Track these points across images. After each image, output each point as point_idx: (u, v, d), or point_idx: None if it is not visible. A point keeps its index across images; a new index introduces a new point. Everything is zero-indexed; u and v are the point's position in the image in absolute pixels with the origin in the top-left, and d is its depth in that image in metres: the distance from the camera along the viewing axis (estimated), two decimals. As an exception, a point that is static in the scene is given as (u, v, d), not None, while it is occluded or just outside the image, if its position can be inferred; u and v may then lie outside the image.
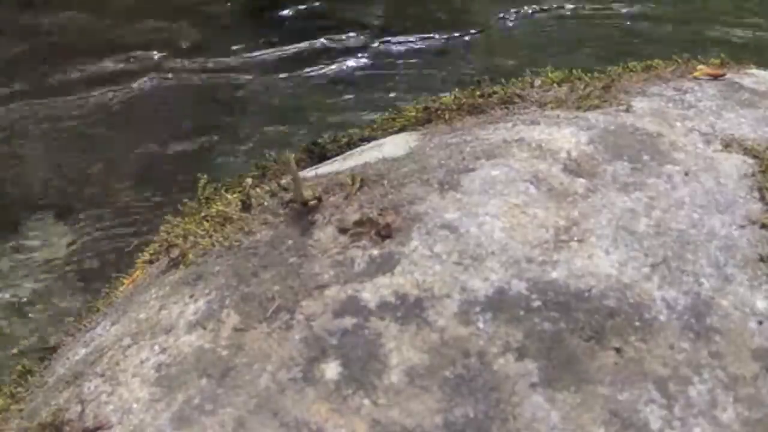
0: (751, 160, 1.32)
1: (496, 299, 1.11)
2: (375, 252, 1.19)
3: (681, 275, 1.15)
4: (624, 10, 3.97)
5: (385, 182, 1.30)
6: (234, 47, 3.90)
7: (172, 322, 1.20)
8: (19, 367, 1.39)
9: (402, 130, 1.55)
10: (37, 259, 2.98)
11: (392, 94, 3.54)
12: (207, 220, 1.35)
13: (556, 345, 1.07)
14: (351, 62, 3.80)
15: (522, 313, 1.10)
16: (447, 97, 1.58)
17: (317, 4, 4.14)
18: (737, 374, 1.06)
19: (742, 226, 1.21)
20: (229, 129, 3.50)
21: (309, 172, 1.44)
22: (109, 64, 3.80)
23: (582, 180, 1.27)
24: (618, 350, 1.07)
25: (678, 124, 1.40)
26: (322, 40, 3.91)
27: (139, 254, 1.50)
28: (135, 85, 3.71)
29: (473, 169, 1.30)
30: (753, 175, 1.29)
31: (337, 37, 3.93)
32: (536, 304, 1.11)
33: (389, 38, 3.91)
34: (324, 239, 1.23)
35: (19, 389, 1.32)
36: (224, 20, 4.08)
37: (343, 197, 1.29)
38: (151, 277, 1.37)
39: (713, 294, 1.13)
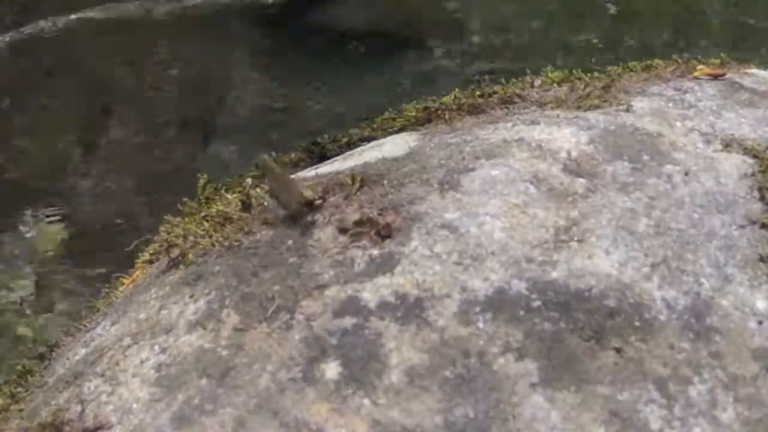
0: (751, 160, 1.32)
1: (496, 299, 1.11)
2: (375, 252, 1.19)
3: (681, 275, 1.15)
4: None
5: (385, 182, 1.30)
6: (234, 46, 3.90)
7: (172, 322, 1.20)
8: (19, 367, 1.39)
9: (402, 130, 1.55)
10: (37, 257, 2.98)
11: (392, 94, 3.54)
12: (207, 220, 1.35)
13: (556, 345, 1.07)
14: (351, 61, 3.80)
15: (522, 313, 1.10)
16: (447, 97, 1.58)
17: (316, 3, 4.14)
18: (737, 374, 1.06)
19: (742, 226, 1.21)
20: (230, 128, 3.50)
21: (309, 172, 1.44)
22: (105, 57, 3.80)
23: (582, 180, 1.27)
24: (618, 350, 1.07)
25: (678, 124, 1.40)
26: (322, 39, 3.91)
27: (139, 254, 1.50)
28: (132, 79, 3.71)
29: (473, 169, 1.30)
30: (753, 175, 1.29)
31: (337, 36, 3.93)
32: (536, 304, 1.11)
33: (389, 37, 3.91)
34: (324, 239, 1.23)
35: (19, 389, 1.32)
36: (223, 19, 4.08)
37: (343, 197, 1.29)
38: (151, 277, 1.37)
39: (713, 294, 1.13)
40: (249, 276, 1.21)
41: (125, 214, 3.11)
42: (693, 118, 1.42)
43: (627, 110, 1.43)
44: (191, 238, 1.32)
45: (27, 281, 2.91)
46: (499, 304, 1.11)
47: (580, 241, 1.18)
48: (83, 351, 1.27)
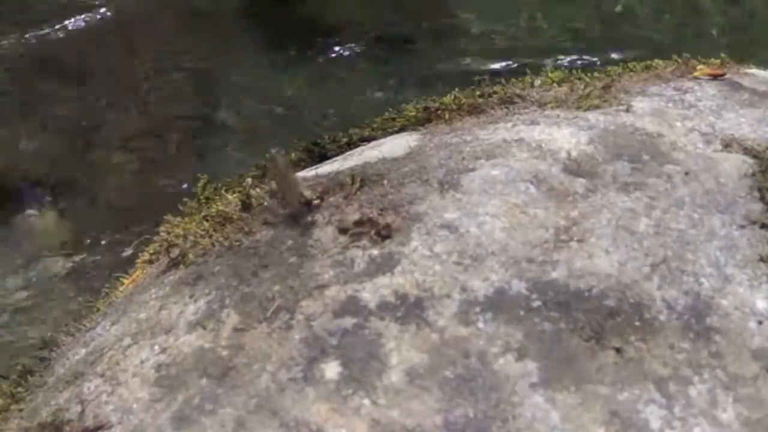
0: (751, 160, 1.32)
1: (496, 299, 1.11)
2: (375, 252, 1.19)
3: (681, 275, 1.15)
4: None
5: (385, 182, 1.30)
6: (232, 45, 3.90)
7: (172, 322, 1.20)
8: (19, 367, 1.38)
9: (402, 130, 1.55)
10: (36, 257, 2.98)
11: (392, 94, 3.54)
12: (207, 220, 1.35)
13: (556, 345, 1.07)
14: (350, 61, 3.80)
15: (522, 313, 1.10)
16: (447, 97, 1.58)
17: (316, 3, 4.14)
18: (737, 374, 1.06)
19: (742, 226, 1.22)
20: (228, 128, 3.50)
21: (309, 172, 1.44)
22: (104, 56, 3.80)
23: (582, 180, 1.27)
24: (618, 350, 1.07)
25: (678, 124, 1.40)
26: (322, 39, 3.91)
27: (139, 254, 1.50)
28: (131, 78, 3.71)
29: (473, 169, 1.30)
30: (753, 175, 1.30)
31: (336, 35, 3.93)
32: (536, 304, 1.11)
33: (389, 38, 3.91)
34: (324, 239, 1.23)
35: (19, 389, 1.32)
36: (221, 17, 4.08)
37: (343, 197, 1.29)
38: (151, 277, 1.37)
39: (713, 294, 1.13)
40: (249, 276, 1.21)
41: (125, 214, 3.11)
42: (693, 118, 1.42)
43: (627, 110, 1.43)
44: (191, 238, 1.32)
45: (27, 281, 2.91)
46: (499, 304, 1.11)
47: (580, 241, 1.18)
48: (83, 351, 1.27)
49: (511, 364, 1.06)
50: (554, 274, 1.14)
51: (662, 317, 1.10)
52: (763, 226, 1.22)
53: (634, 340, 1.08)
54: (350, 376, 1.06)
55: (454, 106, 1.54)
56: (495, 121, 1.46)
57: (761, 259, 1.17)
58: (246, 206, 1.34)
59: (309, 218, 1.27)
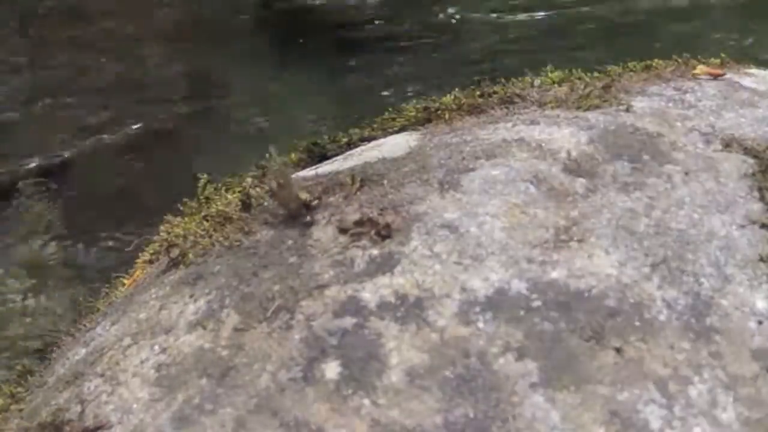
0: (751, 160, 1.32)
1: (496, 299, 1.11)
2: (375, 252, 1.19)
3: (681, 275, 1.15)
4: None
5: (385, 182, 1.30)
6: (233, 46, 3.90)
7: (172, 322, 1.19)
8: (19, 367, 1.38)
9: (402, 130, 1.55)
10: (36, 256, 2.98)
11: (392, 94, 3.54)
12: (207, 220, 1.35)
13: (556, 345, 1.07)
14: (349, 61, 3.80)
15: (522, 313, 1.10)
16: (447, 97, 1.58)
17: (315, 3, 4.14)
18: (737, 374, 1.06)
19: (742, 226, 1.21)
20: (229, 128, 3.50)
21: (309, 172, 1.44)
22: (105, 57, 3.80)
23: (582, 180, 1.27)
24: (618, 350, 1.07)
25: (678, 123, 1.40)
26: (322, 40, 3.91)
27: (139, 254, 1.50)
28: (131, 78, 3.71)
29: (473, 169, 1.30)
30: (753, 175, 1.29)
31: (337, 36, 3.93)
32: (536, 304, 1.11)
33: (388, 37, 3.91)
34: (324, 239, 1.23)
35: (19, 389, 1.32)
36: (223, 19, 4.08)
37: (343, 197, 1.29)
38: (151, 277, 1.37)
39: (713, 294, 1.13)
40: (249, 276, 1.21)
41: (126, 213, 3.11)
42: (693, 118, 1.42)
43: (627, 110, 1.43)
44: (191, 238, 1.32)
45: (27, 280, 2.91)
46: (499, 304, 1.11)
47: (580, 241, 1.18)
48: (83, 351, 1.27)
49: (511, 364, 1.06)
50: (554, 274, 1.14)
51: (662, 317, 1.10)
52: (763, 226, 1.22)
53: (634, 340, 1.08)
54: (350, 376, 1.06)
55: (454, 106, 1.54)
56: (495, 121, 1.46)
57: (761, 259, 1.17)
58: (246, 206, 1.34)
59: (309, 218, 1.27)
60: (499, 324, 1.09)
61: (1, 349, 2.64)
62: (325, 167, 1.44)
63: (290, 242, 1.24)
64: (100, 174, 3.34)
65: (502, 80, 1.61)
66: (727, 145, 1.35)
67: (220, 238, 1.30)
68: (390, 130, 1.58)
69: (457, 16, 4.05)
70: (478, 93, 1.56)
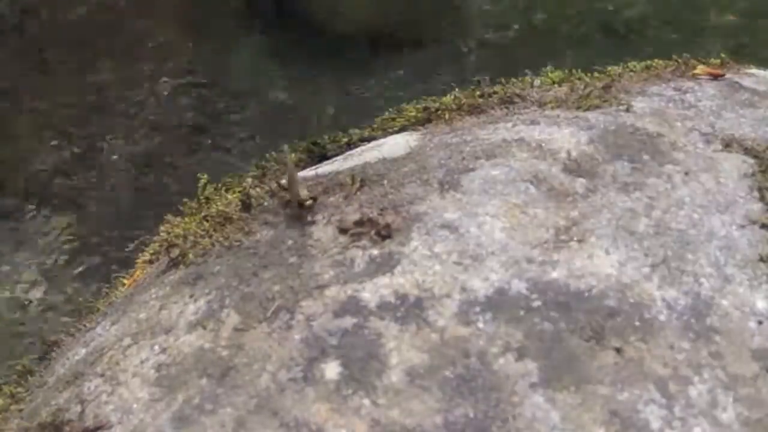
0: (751, 160, 1.32)
1: (496, 299, 1.11)
2: (375, 252, 1.19)
3: (681, 275, 1.15)
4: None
5: (385, 182, 1.30)
6: (233, 47, 3.90)
7: (172, 322, 1.20)
8: (19, 367, 1.39)
9: (402, 130, 1.55)
10: (36, 256, 2.98)
11: (392, 94, 3.54)
12: (207, 220, 1.35)
13: (556, 345, 1.07)
14: (349, 60, 3.80)
15: (522, 313, 1.10)
16: (447, 97, 1.58)
17: (315, 3, 4.14)
18: (737, 374, 1.06)
19: (742, 226, 1.22)
20: (229, 128, 3.50)
21: (309, 172, 1.44)
22: (107, 56, 3.80)
23: (582, 180, 1.27)
24: (618, 350, 1.07)
25: (678, 124, 1.40)
26: (322, 40, 3.91)
27: (139, 254, 1.50)
28: (132, 79, 3.71)
29: (473, 169, 1.30)
30: (753, 175, 1.29)
31: (337, 37, 3.93)
32: (536, 304, 1.11)
33: (388, 37, 3.91)
34: (324, 239, 1.23)
35: (19, 389, 1.32)
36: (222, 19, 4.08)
37: (343, 197, 1.29)
38: (151, 277, 1.37)
39: (713, 294, 1.13)
40: (249, 276, 1.21)
41: (125, 214, 3.11)
42: (693, 118, 1.42)
43: (627, 110, 1.43)
44: (191, 238, 1.32)
45: (30, 280, 2.91)
46: (499, 304, 1.11)
47: (580, 241, 1.18)
48: (83, 351, 1.27)
49: (511, 364, 1.06)
50: (554, 274, 1.14)
51: (662, 317, 1.10)
52: (763, 226, 1.22)
53: (634, 340, 1.08)
54: (350, 376, 1.06)
55: (454, 106, 1.54)
56: (495, 121, 1.46)
57: (761, 259, 1.17)
58: (246, 206, 1.34)
59: (309, 218, 1.27)
60: (499, 324, 1.09)
61: (1, 349, 2.64)
62: (325, 167, 1.44)
63: (290, 242, 1.24)
64: (103, 174, 3.34)
65: (502, 80, 1.61)
66: (727, 145, 1.35)
67: (220, 238, 1.30)
68: (390, 130, 1.58)
69: (460, 17, 4.05)
70: (478, 93, 1.56)
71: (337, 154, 1.55)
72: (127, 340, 1.21)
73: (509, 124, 1.42)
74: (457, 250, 1.17)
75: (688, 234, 1.20)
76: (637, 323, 1.09)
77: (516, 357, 1.06)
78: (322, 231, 1.24)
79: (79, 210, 3.17)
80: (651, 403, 1.03)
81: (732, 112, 1.45)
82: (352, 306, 1.13)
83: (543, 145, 1.33)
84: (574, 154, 1.31)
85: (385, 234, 1.20)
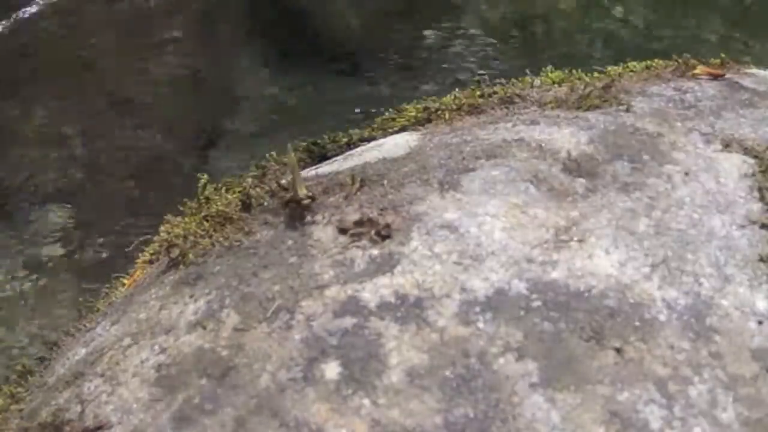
0: (751, 160, 1.32)
1: (496, 299, 1.11)
2: (375, 252, 1.19)
3: (681, 275, 1.15)
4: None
5: (385, 182, 1.30)
6: (232, 42, 3.90)
7: (172, 322, 1.20)
8: (19, 367, 1.39)
9: (402, 130, 1.55)
10: (36, 256, 2.98)
11: (392, 94, 3.54)
12: (207, 220, 1.35)
13: (556, 345, 1.07)
14: (350, 60, 3.80)
15: (522, 313, 1.10)
16: (447, 97, 1.58)
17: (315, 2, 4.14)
18: (737, 374, 1.06)
19: (742, 226, 1.22)
20: (228, 126, 3.50)
21: (309, 172, 1.44)
22: (108, 57, 3.80)
23: (582, 180, 1.27)
24: (618, 350, 1.07)
25: (678, 124, 1.40)
26: (322, 40, 3.91)
27: (139, 254, 1.50)
28: (132, 79, 3.71)
29: (473, 169, 1.30)
30: (753, 175, 1.29)
31: (337, 37, 3.93)
32: (536, 304, 1.11)
33: (390, 42, 3.91)
34: (324, 239, 1.23)
35: (19, 389, 1.32)
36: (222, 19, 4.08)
37: (343, 197, 1.29)
38: (151, 277, 1.37)
39: (713, 294, 1.13)
40: (249, 276, 1.21)
41: (126, 213, 3.11)
42: (693, 118, 1.42)
43: (627, 110, 1.43)
44: (191, 238, 1.32)
45: (27, 280, 2.91)
46: (499, 304, 1.11)
47: (580, 241, 1.18)
48: (83, 351, 1.27)
49: (511, 364, 1.06)
50: (554, 274, 1.14)
51: (662, 317, 1.10)
52: (763, 226, 1.22)
53: (634, 340, 1.08)
54: (350, 376, 1.06)
55: (454, 106, 1.54)
56: (495, 121, 1.46)
57: (761, 259, 1.17)
58: (246, 206, 1.34)
59: (309, 218, 1.27)
60: (499, 324, 1.09)
61: (1, 349, 2.64)
62: (325, 167, 1.44)
63: (290, 242, 1.24)
64: (101, 174, 3.34)
65: (502, 80, 1.61)
66: (727, 145, 1.35)
67: (220, 238, 1.30)
68: (390, 130, 1.58)
69: (459, 22, 4.05)
70: (478, 93, 1.56)
71: (337, 154, 1.55)
72: (127, 340, 1.21)
73: (509, 124, 1.42)
74: (457, 250, 1.17)
75: (688, 234, 1.20)
76: (637, 323, 1.09)
77: (516, 357, 1.06)
78: (322, 231, 1.24)
79: (79, 209, 3.17)
80: (651, 403, 1.03)
81: (732, 112, 1.45)
82: (352, 306, 1.13)
83: (543, 145, 1.33)
84: (574, 154, 1.31)
85: (385, 234, 1.20)
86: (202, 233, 1.32)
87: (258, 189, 1.38)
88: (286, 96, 3.66)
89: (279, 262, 1.21)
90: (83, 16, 4.05)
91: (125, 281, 1.47)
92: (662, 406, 1.03)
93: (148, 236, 1.50)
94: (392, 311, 1.11)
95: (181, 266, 1.29)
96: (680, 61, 1.65)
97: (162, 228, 1.42)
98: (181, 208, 1.45)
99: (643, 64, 1.67)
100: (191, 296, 1.22)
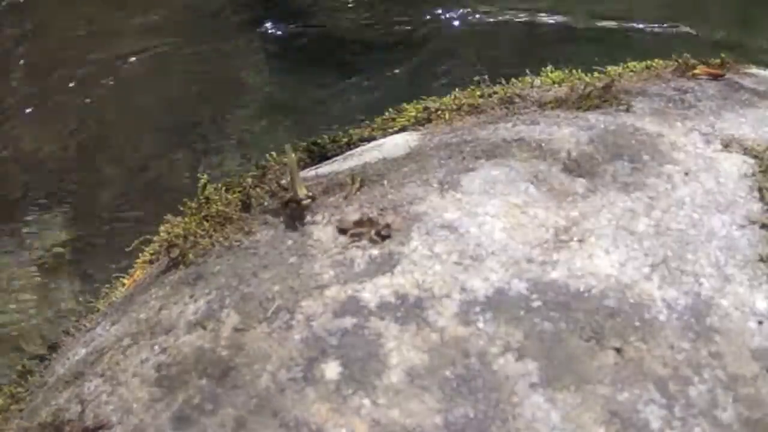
0: (751, 160, 1.32)
1: (496, 299, 1.11)
2: (375, 252, 1.19)
3: (681, 275, 1.15)
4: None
5: (385, 182, 1.30)
6: (231, 41, 3.90)
7: (172, 322, 1.20)
8: (19, 367, 1.39)
9: (402, 130, 1.55)
10: (36, 256, 2.98)
11: (392, 94, 3.54)
12: (207, 220, 1.35)
13: (556, 345, 1.07)
14: (350, 62, 3.80)
15: (522, 313, 1.10)
16: (447, 97, 1.58)
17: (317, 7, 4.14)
18: (737, 374, 1.06)
19: (742, 226, 1.22)
20: (227, 126, 3.50)
21: (309, 172, 1.44)
22: (105, 55, 3.80)
23: (582, 180, 1.27)
24: (618, 350, 1.07)
25: (678, 124, 1.40)
26: (322, 40, 3.91)
27: (139, 254, 1.50)
28: (131, 77, 3.71)
29: (473, 169, 1.30)
30: (753, 175, 1.29)
31: (337, 37, 3.93)
32: (536, 304, 1.11)
33: (387, 36, 3.91)
34: (324, 239, 1.23)
35: (19, 389, 1.32)
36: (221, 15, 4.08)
37: (343, 197, 1.29)
38: (151, 277, 1.37)
39: (713, 294, 1.13)
40: (249, 276, 1.21)
41: (126, 214, 3.11)
42: (693, 118, 1.42)
43: (627, 110, 1.43)
44: (191, 238, 1.32)
45: (27, 280, 2.91)
46: (499, 304, 1.11)
47: (580, 241, 1.18)
48: (83, 351, 1.27)
49: (511, 364, 1.06)
50: (554, 274, 1.14)
51: (662, 317, 1.10)
52: (763, 226, 1.22)
53: (634, 340, 1.08)
54: (350, 376, 1.06)
55: (454, 106, 1.54)
56: (495, 121, 1.46)
57: (761, 259, 1.17)
58: (246, 206, 1.34)
59: (309, 218, 1.27)
60: (499, 324, 1.09)
61: (2, 349, 2.64)
62: (325, 167, 1.44)
63: (290, 242, 1.24)
64: (101, 174, 3.34)
65: (502, 80, 1.61)
66: (727, 145, 1.35)
67: (220, 238, 1.30)
68: (390, 130, 1.58)
69: (457, 18, 4.04)
70: (478, 93, 1.57)
71: (337, 154, 1.55)
72: (127, 340, 1.21)
73: (509, 124, 1.42)
74: (457, 250, 1.17)
75: (688, 234, 1.20)
76: (637, 323, 1.09)
77: (516, 357, 1.06)
78: (322, 231, 1.24)
79: (79, 209, 3.17)
80: (651, 403, 1.03)
81: (732, 112, 1.45)
82: (352, 306, 1.13)
83: (543, 145, 1.33)
84: (574, 154, 1.31)
85: (385, 234, 1.20)
86: (202, 233, 1.32)
87: (258, 189, 1.38)
88: (287, 95, 3.66)
89: (279, 262, 1.21)
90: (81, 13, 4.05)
91: (125, 281, 1.47)
92: (662, 406, 1.03)
93: (148, 236, 1.50)
94: (392, 311, 1.11)
95: (181, 266, 1.29)
96: (680, 61, 1.64)
97: (162, 228, 1.42)
98: (181, 208, 1.45)
99: (643, 64, 1.67)
100: (191, 296, 1.22)
